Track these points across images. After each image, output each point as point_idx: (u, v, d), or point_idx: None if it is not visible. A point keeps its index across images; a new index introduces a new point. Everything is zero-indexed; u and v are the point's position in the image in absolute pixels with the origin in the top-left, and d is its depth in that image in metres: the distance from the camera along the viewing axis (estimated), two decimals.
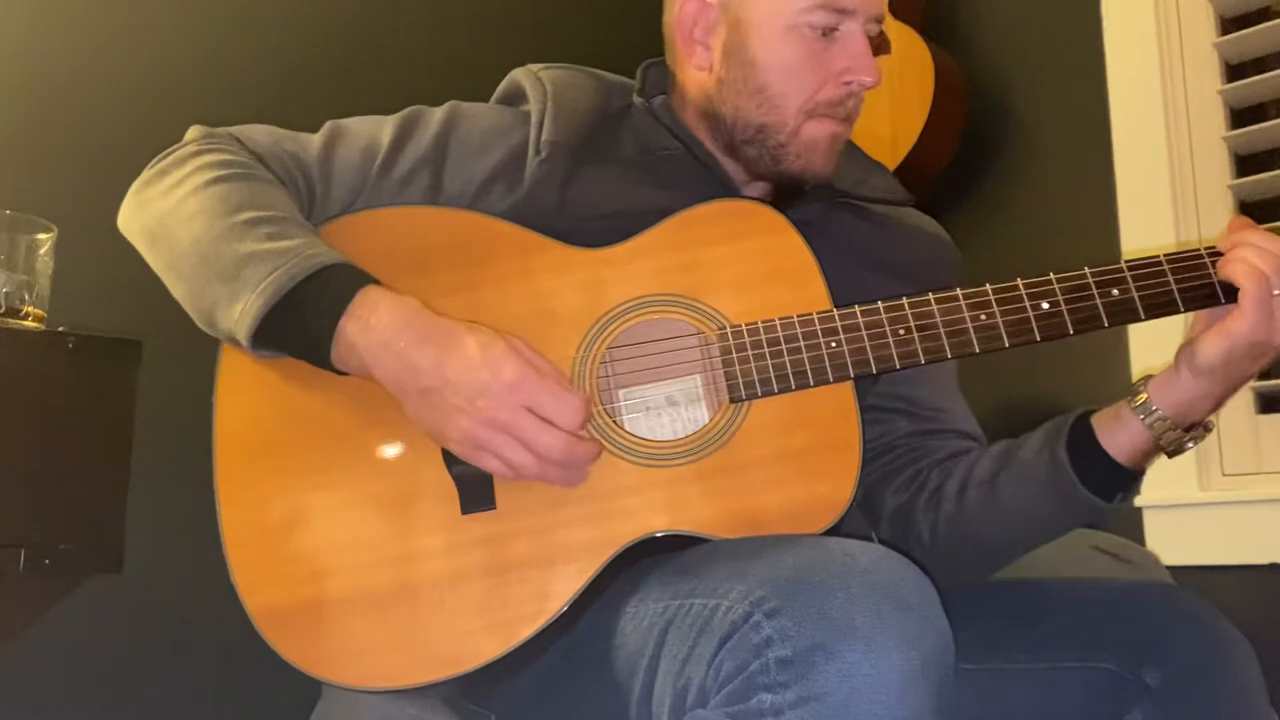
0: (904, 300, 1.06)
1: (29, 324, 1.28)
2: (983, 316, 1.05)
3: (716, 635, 0.85)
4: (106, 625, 1.64)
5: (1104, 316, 1.05)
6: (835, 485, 1.05)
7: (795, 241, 1.11)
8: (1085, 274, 1.05)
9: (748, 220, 1.12)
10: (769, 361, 1.06)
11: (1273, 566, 1.72)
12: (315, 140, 1.17)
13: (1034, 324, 1.05)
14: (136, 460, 1.29)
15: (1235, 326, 1.00)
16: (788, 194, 1.21)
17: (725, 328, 1.08)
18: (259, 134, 1.17)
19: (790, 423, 1.06)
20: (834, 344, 1.06)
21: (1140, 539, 1.84)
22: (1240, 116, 1.95)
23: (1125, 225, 1.95)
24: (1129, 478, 1.08)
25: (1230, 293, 1.02)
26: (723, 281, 1.10)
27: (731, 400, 1.06)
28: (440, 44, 2.22)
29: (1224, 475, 1.84)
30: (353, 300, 0.99)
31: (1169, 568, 1.63)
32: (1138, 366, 1.87)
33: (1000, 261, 2.05)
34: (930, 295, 1.06)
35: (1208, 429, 1.06)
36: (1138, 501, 1.86)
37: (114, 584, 1.30)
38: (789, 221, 1.12)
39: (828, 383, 1.06)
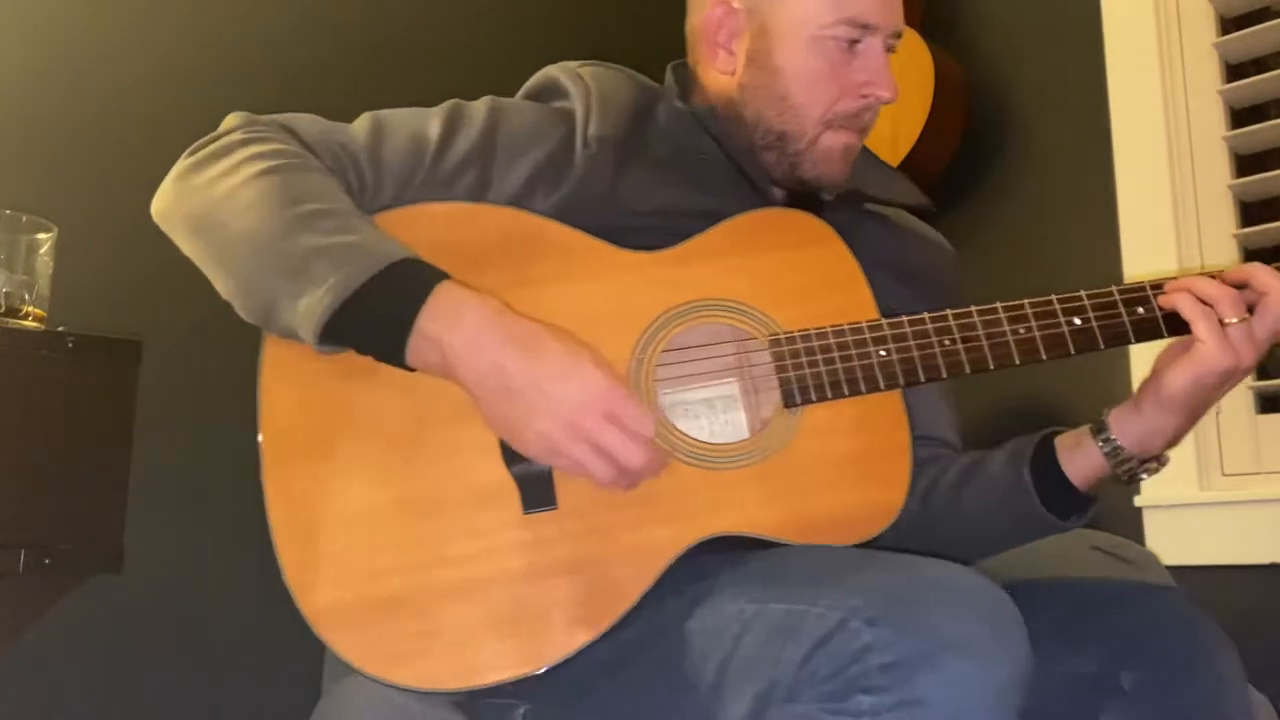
0: (947, 312, 1.10)
1: (29, 324, 1.28)
2: (1021, 330, 1.08)
3: (809, 639, 0.86)
4: (106, 625, 1.64)
5: (1130, 333, 1.08)
6: (889, 490, 1.08)
7: (842, 251, 1.15)
8: (1113, 291, 1.09)
9: (796, 229, 1.16)
10: (823, 369, 1.08)
11: (1273, 566, 1.72)
12: (359, 130, 1.15)
13: (1069, 339, 1.08)
14: (136, 460, 1.29)
15: (1203, 357, 1.02)
16: (809, 200, 1.23)
17: (779, 334, 1.10)
18: (305, 123, 1.14)
19: (845, 428, 1.09)
20: (884, 352, 1.08)
21: (1140, 539, 1.84)
22: (1240, 116, 1.95)
23: (1125, 225, 1.96)
24: (1085, 500, 1.11)
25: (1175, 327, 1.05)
26: (774, 288, 1.12)
27: (786, 405, 1.08)
28: (450, 43, 2.22)
29: (1224, 475, 1.84)
30: (430, 296, 0.98)
31: (1169, 568, 1.63)
32: (1138, 375, 1.86)
33: (1000, 261, 2.06)
34: (972, 308, 1.10)
35: (1162, 462, 1.10)
36: (1138, 501, 1.86)
37: (114, 584, 1.30)
38: (835, 231, 1.15)
39: (879, 390, 1.08)
